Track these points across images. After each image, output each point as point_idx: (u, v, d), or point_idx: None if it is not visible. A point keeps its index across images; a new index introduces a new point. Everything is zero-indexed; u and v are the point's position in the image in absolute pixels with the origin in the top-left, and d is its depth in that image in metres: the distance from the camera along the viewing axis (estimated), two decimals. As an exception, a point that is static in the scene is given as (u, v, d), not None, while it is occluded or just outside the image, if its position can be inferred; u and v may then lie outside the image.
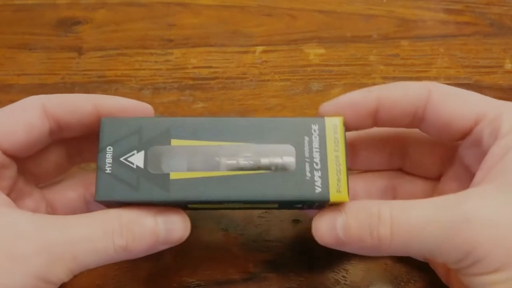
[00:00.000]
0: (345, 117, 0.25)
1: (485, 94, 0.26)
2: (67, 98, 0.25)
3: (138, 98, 0.37)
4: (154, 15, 0.42)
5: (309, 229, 0.31)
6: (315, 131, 0.24)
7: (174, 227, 0.24)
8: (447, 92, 0.25)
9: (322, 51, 0.40)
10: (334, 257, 0.30)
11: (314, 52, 0.40)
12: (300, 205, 0.25)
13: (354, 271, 0.30)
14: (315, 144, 0.24)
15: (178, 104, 0.37)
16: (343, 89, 0.38)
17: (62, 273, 0.22)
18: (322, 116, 0.25)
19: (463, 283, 0.23)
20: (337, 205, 0.24)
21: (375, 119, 0.26)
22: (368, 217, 0.23)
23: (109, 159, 0.23)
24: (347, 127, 0.25)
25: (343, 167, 0.24)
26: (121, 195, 0.23)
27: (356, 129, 0.26)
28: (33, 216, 0.22)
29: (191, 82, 0.39)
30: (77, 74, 0.39)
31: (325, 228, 0.23)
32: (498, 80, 0.39)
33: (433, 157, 0.28)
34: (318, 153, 0.24)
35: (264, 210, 0.32)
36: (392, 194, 0.29)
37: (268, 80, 0.39)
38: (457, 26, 0.42)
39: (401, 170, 0.29)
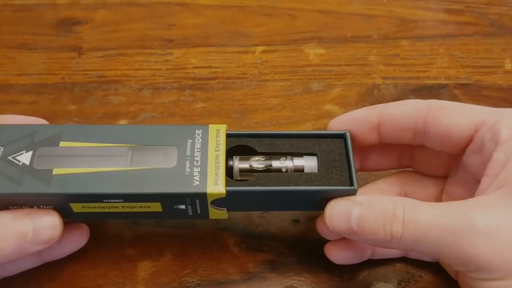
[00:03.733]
0: (350, 131, 0.27)
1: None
2: None
3: (138, 98, 0.37)
4: (154, 15, 0.42)
5: (309, 229, 0.31)
6: (198, 135, 0.26)
7: (43, 227, 0.25)
8: (445, 104, 0.26)
9: (322, 51, 0.40)
10: (334, 257, 0.30)
11: (314, 52, 0.40)
12: (183, 206, 0.25)
13: (354, 271, 0.30)
14: (198, 145, 0.26)
15: (178, 104, 0.37)
16: (343, 89, 0.38)
17: None
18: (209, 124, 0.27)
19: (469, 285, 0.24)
20: (352, 196, 0.25)
21: (379, 134, 0.27)
22: (384, 213, 0.23)
23: None
24: (354, 142, 0.27)
25: (223, 164, 0.25)
26: (2, 188, 0.24)
27: (362, 144, 0.28)
28: None
29: (191, 82, 0.39)
30: (77, 74, 0.39)
31: (339, 216, 0.24)
32: (498, 80, 0.39)
33: (438, 160, 0.29)
34: (200, 152, 0.26)
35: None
36: None
37: (268, 80, 0.39)
38: (457, 26, 0.42)
39: (411, 171, 0.30)
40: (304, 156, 0.27)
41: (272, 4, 0.43)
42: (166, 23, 0.42)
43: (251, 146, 0.27)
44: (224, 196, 0.25)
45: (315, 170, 0.26)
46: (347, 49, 0.41)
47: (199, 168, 0.25)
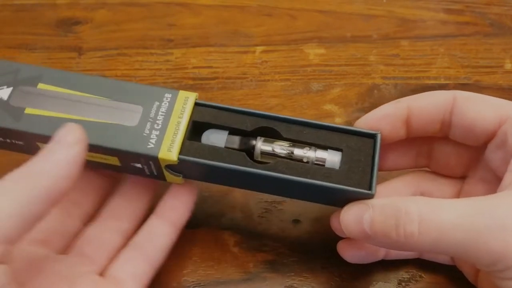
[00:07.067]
0: (381, 130, 0.26)
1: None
2: None
3: (138, 98, 0.37)
4: (154, 15, 0.42)
5: (309, 229, 0.31)
6: (167, 98, 0.27)
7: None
8: (471, 96, 0.26)
9: (322, 51, 0.40)
10: (334, 257, 0.30)
11: (314, 52, 0.40)
12: (139, 164, 0.26)
13: (354, 271, 0.30)
14: (163, 109, 0.26)
15: (178, 104, 0.37)
16: (343, 89, 0.38)
17: None
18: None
19: (493, 285, 0.23)
20: (366, 199, 0.24)
21: (407, 129, 0.27)
22: (395, 213, 0.23)
23: None
24: (384, 140, 0.26)
25: (182, 132, 0.26)
26: None
27: (391, 140, 0.27)
28: None
29: (191, 82, 0.39)
30: (77, 74, 0.39)
31: (352, 221, 0.24)
32: (498, 80, 0.39)
33: (458, 159, 0.28)
34: (163, 116, 0.26)
35: (264, 210, 0.32)
36: None
37: (268, 80, 0.39)
38: (457, 26, 0.42)
39: (427, 171, 0.30)
40: (328, 150, 0.26)
41: (272, 4, 0.43)
42: (166, 23, 0.42)
43: (278, 130, 0.27)
44: (176, 163, 0.25)
45: (337, 166, 0.26)
46: (347, 49, 0.41)
47: (158, 131, 0.26)
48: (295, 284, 0.29)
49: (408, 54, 0.40)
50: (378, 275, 0.30)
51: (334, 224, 0.28)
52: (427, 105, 0.26)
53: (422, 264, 0.30)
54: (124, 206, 0.29)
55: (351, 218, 0.24)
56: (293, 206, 0.32)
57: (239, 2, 0.43)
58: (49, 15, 0.42)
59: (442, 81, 0.39)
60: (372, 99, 0.38)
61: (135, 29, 0.42)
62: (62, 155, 0.23)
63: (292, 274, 0.30)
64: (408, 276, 0.30)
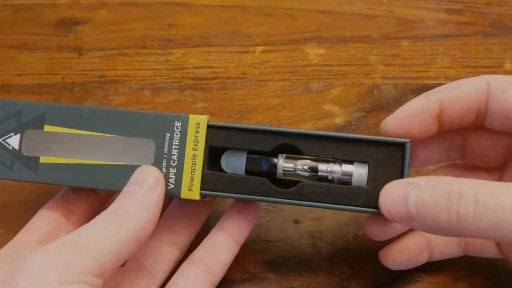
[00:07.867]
0: (411, 129, 0.24)
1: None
2: None
3: (138, 98, 0.37)
4: (154, 15, 0.42)
5: (309, 229, 0.31)
6: (177, 128, 0.25)
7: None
8: (507, 81, 0.24)
9: (322, 51, 0.40)
10: (334, 257, 0.30)
11: (314, 52, 0.40)
12: None
13: (354, 271, 0.30)
14: (176, 141, 0.25)
15: (178, 104, 0.37)
16: (343, 89, 0.38)
17: None
18: (188, 114, 0.26)
19: None
20: (410, 177, 0.23)
21: (439, 123, 0.25)
22: (447, 193, 0.21)
23: None
24: (414, 139, 0.25)
25: (199, 165, 0.25)
26: None
27: (422, 138, 0.25)
28: None
29: (191, 82, 0.39)
30: (77, 74, 0.39)
31: (395, 200, 0.22)
32: (498, 80, 0.39)
33: (495, 148, 0.26)
34: (177, 150, 0.25)
35: (264, 210, 0.32)
36: None
37: (268, 80, 0.39)
38: (457, 26, 0.42)
39: (460, 163, 0.28)
40: (354, 163, 0.25)
41: (272, 4, 0.43)
42: (166, 23, 0.42)
43: (298, 147, 0.25)
44: (198, 199, 0.25)
45: (364, 181, 0.25)
46: (347, 49, 0.41)
47: (175, 169, 0.25)
48: (295, 284, 0.29)
49: (408, 54, 0.40)
50: (377, 276, 0.30)
51: (369, 229, 0.26)
52: (460, 96, 0.24)
53: (422, 264, 0.30)
54: (182, 219, 0.29)
55: (393, 197, 0.22)
56: (293, 206, 0.32)
57: (239, 2, 0.43)
58: (49, 15, 0.42)
59: (442, 81, 0.39)
60: (372, 99, 0.38)
61: (135, 29, 0.42)
62: (145, 199, 0.24)
63: (292, 274, 0.30)
64: (408, 276, 0.30)
